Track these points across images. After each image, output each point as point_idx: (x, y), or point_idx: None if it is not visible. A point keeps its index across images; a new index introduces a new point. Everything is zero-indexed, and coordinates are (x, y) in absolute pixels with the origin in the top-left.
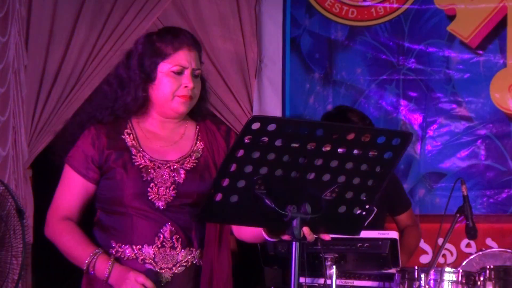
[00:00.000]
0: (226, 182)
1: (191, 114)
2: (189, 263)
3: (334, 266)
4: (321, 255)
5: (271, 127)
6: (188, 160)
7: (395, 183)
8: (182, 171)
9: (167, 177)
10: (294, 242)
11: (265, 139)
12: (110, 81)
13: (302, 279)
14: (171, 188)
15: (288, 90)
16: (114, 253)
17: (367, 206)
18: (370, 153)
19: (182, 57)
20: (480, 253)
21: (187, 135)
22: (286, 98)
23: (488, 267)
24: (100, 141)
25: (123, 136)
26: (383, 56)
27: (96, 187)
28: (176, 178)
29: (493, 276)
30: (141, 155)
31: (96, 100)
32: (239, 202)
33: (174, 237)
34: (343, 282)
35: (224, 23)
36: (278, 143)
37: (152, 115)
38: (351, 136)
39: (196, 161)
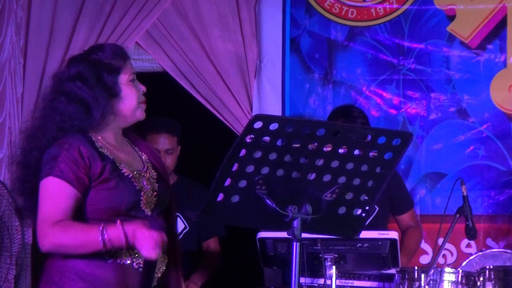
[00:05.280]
0: (228, 182)
1: None
2: (163, 269)
3: (334, 267)
4: (320, 255)
5: (273, 126)
6: (150, 170)
7: (398, 182)
8: (153, 180)
9: (149, 186)
10: (294, 243)
11: (267, 138)
12: (66, 103)
13: (302, 280)
14: (153, 196)
15: (288, 90)
16: (107, 259)
17: (366, 208)
18: (370, 153)
19: (130, 65)
20: (480, 253)
21: (130, 146)
22: (286, 99)
23: (487, 267)
24: (90, 153)
25: (100, 150)
26: (383, 56)
27: (82, 199)
28: (154, 187)
29: (492, 277)
30: (123, 166)
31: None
32: (240, 202)
33: None
34: (342, 282)
35: (224, 23)
36: (279, 142)
37: (110, 128)
38: (351, 136)
39: (154, 170)
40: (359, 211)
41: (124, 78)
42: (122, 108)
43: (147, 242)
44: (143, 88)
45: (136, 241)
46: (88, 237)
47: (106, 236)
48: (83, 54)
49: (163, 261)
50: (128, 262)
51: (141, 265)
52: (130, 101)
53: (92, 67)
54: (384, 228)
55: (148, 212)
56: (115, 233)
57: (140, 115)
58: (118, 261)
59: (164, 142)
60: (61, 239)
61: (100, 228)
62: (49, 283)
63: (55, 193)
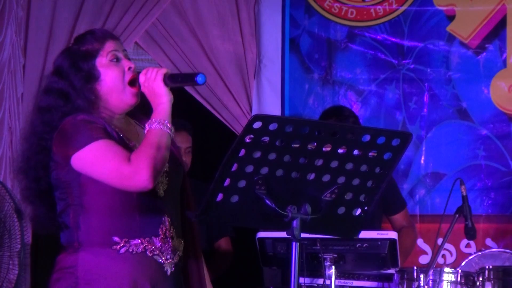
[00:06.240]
0: (227, 182)
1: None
2: (181, 253)
3: (333, 267)
4: (320, 255)
5: (273, 126)
6: None
7: (390, 182)
8: None
9: None
10: (294, 243)
11: (266, 139)
12: (46, 98)
13: (301, 280)
14: (164, 176)
15: (287, 90)
16: (118, 249)
17: (366, 208)
18: (370, 153)
19: (111, 45)
20: (479, 253)
21: (139, 130)
22: (285, 99)
23: (487, 267)
24: (99, 121)
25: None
26: (383, 57)
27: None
28: (164, 168)
29: (492, 277)
30: (132, 144)
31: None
32: (239, 202)
33: (171, 227)
34: (342, 282)
35: (223, 24)
36: (279, 143)
37: (106, 115)
38: (351, 136)
39: None
40: (358, 211)
41: (102, 60)
42: (105, 90)
43: (148, 72)
44: (129, 65)
45: (147, 80)
46: (150, 134)
47: (151, 124)
48: (66, 47)
49: (179, 245)
50: (141, 249)
51: (155, 253)
52: (112, 81)
53: (69, 59)
54: (378, 228)
55: (161, 192)
56: (155, 114)
57: (129, 99)
58: (131, 251)
59: (185, 140)
60: (146, 159)
61: (147, 128)
62: (60, 280)
63: (104, 150)
